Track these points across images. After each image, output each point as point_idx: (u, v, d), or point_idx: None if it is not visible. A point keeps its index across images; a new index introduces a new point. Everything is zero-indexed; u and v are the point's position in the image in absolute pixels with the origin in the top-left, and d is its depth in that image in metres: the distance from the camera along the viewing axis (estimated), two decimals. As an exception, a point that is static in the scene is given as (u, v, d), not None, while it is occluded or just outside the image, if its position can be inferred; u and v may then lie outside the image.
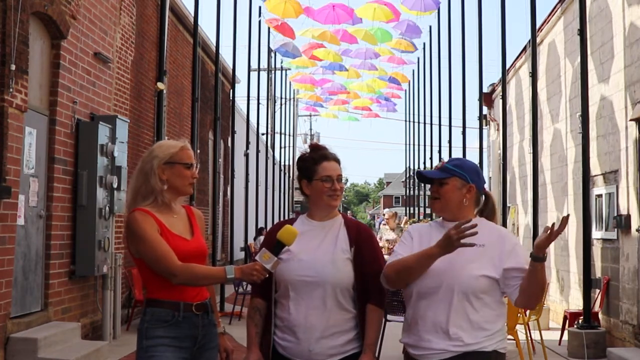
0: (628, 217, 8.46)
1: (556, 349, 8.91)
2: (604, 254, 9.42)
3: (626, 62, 8.61)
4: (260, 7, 18.19)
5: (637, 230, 8.14)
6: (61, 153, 7.61)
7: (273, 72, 27.71)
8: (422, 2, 14.78)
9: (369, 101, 24.80)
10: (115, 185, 8.31)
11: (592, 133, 9.40)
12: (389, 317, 6.95)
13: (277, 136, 28.39)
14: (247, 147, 16.60)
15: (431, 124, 21.66)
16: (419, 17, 15.67)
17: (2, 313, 6.22)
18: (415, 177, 17.17)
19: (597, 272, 9.48)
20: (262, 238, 13.44)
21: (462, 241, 2.70)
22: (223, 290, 12.26)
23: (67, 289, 7.77)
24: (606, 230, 9.44)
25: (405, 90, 27.07)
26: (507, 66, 12.92)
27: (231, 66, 15.27)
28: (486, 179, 17.15)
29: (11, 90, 6.25)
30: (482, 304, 2.86)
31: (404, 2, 14.85)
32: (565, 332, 9.05)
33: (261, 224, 19.95)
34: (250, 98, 18.14)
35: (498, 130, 15.48)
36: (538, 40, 11.67)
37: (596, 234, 9.65)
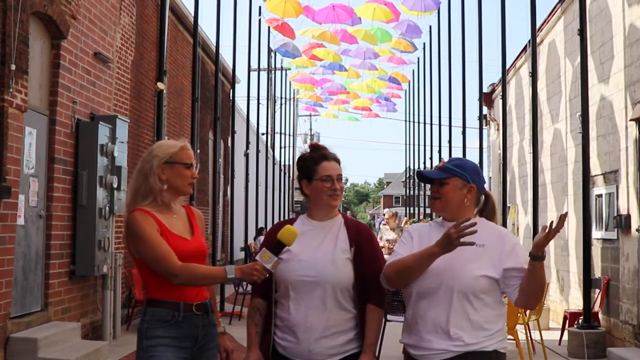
0: (628, 217, 8.46)
1: (556, 349, 8.91)
2: (604, 254, 9.42)
3: (626, 62, 8.61)
4: (260, 7, 18.22)
5: (637, 230, 8.14)
6: (61, 153, 7.60)
7: (273, 72, 27.71)
8: (422, 2, 14.78)
9: (369, 101, 24.80)
10: (115, 185, 8.31)
11: (592, 133, 9.40)
12: (389, 317, 6.95)
13: (277, 136, 28.41)
14: (247, 147, 16.60)
15: (431, 124, 21.67)
16: (419, 17, 15.68)
17: (2, 313, 6.22)
18: (416, 177, 17.17)
19: (597, 272, 9.48)
20: (262, 238, 13.44)
21: (462, 240, 2.70)
22: (223, 290, 12.26)
23: (67, 289, 7.77)
24: (606, 230, 9.44)
25: (405, 90, 27.09)
26: (507, 66, 12.92)
27: (231, 66, 15.27)
28: (486, 179, 17.15)
29: (11, 90, 6.25)
30: (482, 304, 2.86)
31: (404, 2, 14.86)
32: (565, 332, 9.05)
33: (261, 224, 19.95)
34: (250, 98, 18.16)
35: (498, 130, 15.48)
36: (538, 40, 11.67)
37: (596, 234, 9.65)
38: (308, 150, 3.18)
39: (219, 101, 13.18)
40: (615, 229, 8.90)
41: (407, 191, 34.25)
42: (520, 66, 14.52)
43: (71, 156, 7.85)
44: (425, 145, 23.20)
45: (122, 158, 8.61)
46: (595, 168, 9.52)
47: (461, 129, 15.81)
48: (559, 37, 11.72)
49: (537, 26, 11.09)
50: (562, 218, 2.71)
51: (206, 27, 51.35)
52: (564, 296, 11.38)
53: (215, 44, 13.43)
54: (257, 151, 19.08)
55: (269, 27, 18.72)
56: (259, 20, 18.49)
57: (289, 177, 31.66)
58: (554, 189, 12.02)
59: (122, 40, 9.58)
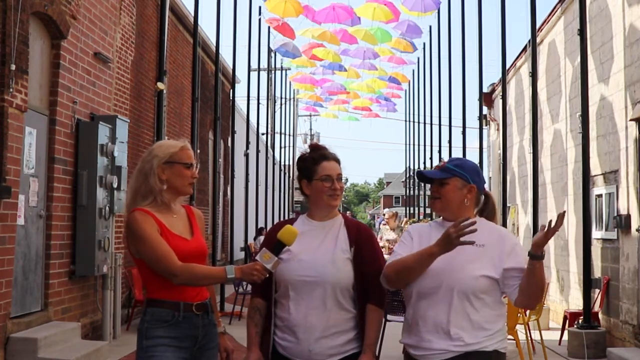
0: (628, 217, 8.46)
1: (556, 349, 8.91)
2: (604, 254, 9.42)
3: (626, 62, 8.61)
4: (260, 7, 18.23)
5: (637, 230, 8.14)
6: (61, 153, 7.60)
7: (273, 72, 27.71)
8: (422, 2, 14.78)
9: (369, 101, 24.80)
10: (115, 185, 8.31)
11: (592, 133, 9.41)
12: (389, 317, 6.95)
13: (277, 136, 28.40)
14: (247, 147, 16.60)
15: (431, 124, 21.67)
16: (419, 17, 15.68)
17: (2, 313, 6.22)
18: (416, 177, 17.17)
19: (597, 272, 9.48)
20: (262, 238, 13.44)
21: (462, 239, 2.70)
22: (223, 290, 12.26)
23: (67, 289, 7.77)
24: (606, 230, 9.44)
25: (405, 90, 27.09)
26: (507, 66, 12.92)
27: (231, 66, 15.27)
28: (486, 179, 17.15)
29: (11, 90, 6.25)
30: (483, 304, 2.86)
31: (404, 2, 14.86)
32: (565, 332, 9.05)
33: (261, 224, 19.95)
34: (250, 98, 18.16)
35: (498, 130, 15.48)
36: (538, 40, 11.67)
37: (596, 234, 9.65)
38: (308, 150, 3.18)
39: (219, 101, 13.18)
40: (615, 229, 8.90)
41: (407, 191, 34.25)
42: (520, 66, 14.52)
43: (71, 156, 7.85)
44: (425, 145, 23.23)
45: (122, 158, 8.61)
46: (595, 168, 9.52)
47: (461, 129, 15.81)
48: (559, 37, 11.72)
49: (537, 26, 11.09)
50: (561, 216, 2.71)
51: (206, 27, 51.36)
52: (564, 296, 11.38)
53: (215, 44, 13.43)
54: (257, 151, 19.08)
55: (269, 27, 18.73)
56: (259, 20, 18.50)
57: (289, 177, 31.66)
58: (554, 189, 12.02)
59: (122, 40, 9.58)
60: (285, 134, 28.81)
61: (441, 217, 3.08)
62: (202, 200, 14.67)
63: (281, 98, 28.08)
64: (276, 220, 20.78)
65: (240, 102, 31.12)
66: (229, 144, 15.96)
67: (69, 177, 7.82)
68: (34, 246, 7.13)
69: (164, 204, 3.15)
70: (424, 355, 2.88)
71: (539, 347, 8.39)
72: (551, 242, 11.94)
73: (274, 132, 28.21)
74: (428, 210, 23.50)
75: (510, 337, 7.42)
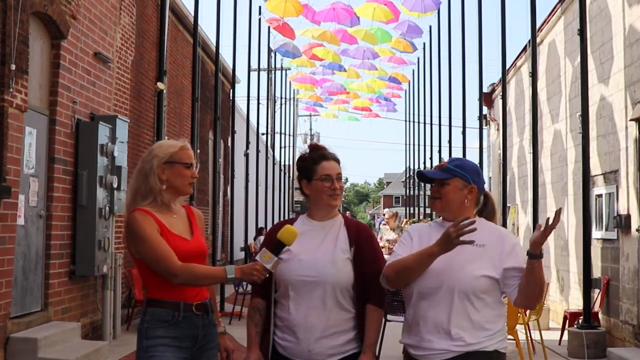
0: (628, 217, 8.46)
1: (556, 349, 8.91)
2: (604, 254, 9.42)
3: (626, 62, 8.61)
4: (260, 7, 18.23)
5: (637, 230, 8.14)
6: (61, 153, 7.60)
7: (273, 72, 27.71)
8: (422, 3, 14.78)
9: (369, 101, 24.80)
10: (115, 185, 8.31)
11: (592, 133, 9.41)
12: (389, 317, 6.95)
13: (277, 136, 28.40)
14: (247, 147, 16.60)
15: (431, 124, 21.67)
16: (419, 18, 15.68)
17: (2, 313, 6.22)
18: (416, 177, 17.17)
19: (597, 272, 9.48)
20: (262, 238, 13.44)
21: (461, 238, 2.70)
22: (223, 290, 12.26)
23: (67, 289, 7.77)
24: (606, 230, 9.44)
25: (405, 90, 27.09)
26: (507, 66, 12.92)
27: (231, 66, 15.27)
28: (486, 179, 17.16)
29: (11, 90, 6.25)
30: (483, 304, 2.86)
31: (404, 2, 14.86)
32: (565, 332, 9.05)
33: (261, 224, 19.95)
34: (250, 98, 18.16)
35: (498, 130, 15.48)
36: (538, 40, 11.67)
37: (596, 233, 9.65)
38: (307, 150, 3.18)
39: (219, 101, 13.18)
40: (615, 229, 8.90)
41: (407, 191, 34.24)
42: (520, 66, 14.52)
43: (71, 156, 7.85)
44: (425, 145, 23.23)
45: (122, 158, 8.61)
46: (595, 168, 9.52)
47: (461, 129, 15.81)
48: (559, 37, 11.72)
49: (537, 26, 11.09)
50: (558, 213, 2.71)
51: (206, 27, 51.35)
52: (564, 296, 11.38)
53: (215, 44, 13.43)
54: (257, 151, 19.08)
55: (269, 27, 18.73)
56: (259, 20, 18.50)
57: (289, 177, 31.66)
58: (554, 189, 12.02)
59: (122, 40, 9.58)
60: (285, 134, 28.84)
61: (441, 217, 3.08)
62: (202, 200, 14.67)
63: (281, 98, 28.10)
64: (276, 220, 20.78)
65: (240, 102, 31.13)
66: (229, 144, 15.96)
67: (69, 177, 7.82)
68: (34, 246, 7.13)
69: (164, 204, 3.15)
70: (425, 355, 2.88)
71: (539, 347, 8.39)
72: (551, 242, 11.94)
73: (274, 132, 28.21)
74: (428, 210, 23.50)
75: (510, 337, 7.41)
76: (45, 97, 7.42)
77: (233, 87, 15.75)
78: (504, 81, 12.22)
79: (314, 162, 3.09)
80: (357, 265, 3.03)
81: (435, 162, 19.26)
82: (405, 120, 28.94)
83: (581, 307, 8.96)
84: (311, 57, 18.35)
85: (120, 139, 8.56)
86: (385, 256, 3.29)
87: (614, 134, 9.01)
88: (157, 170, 3.13)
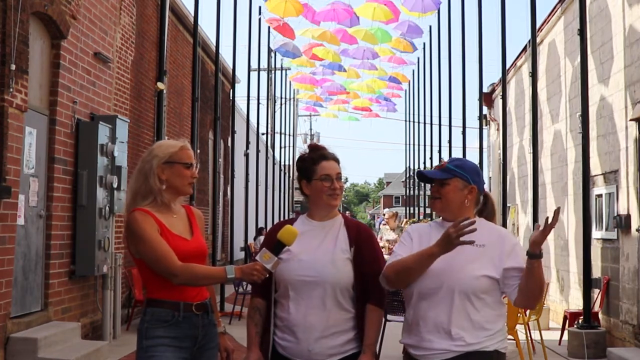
0: (628, 217, 8.46)
1: (556, 349, 8.91)
2: (604, 254, 9.42)
3: (626, 62, 8.61)
4: (260, 7, 18.23)
5: (637, 230, 8.14)
6: (61, 153, 7.60)
7: (273, 72, 27.71)
8: (421, 3, 14.79)
9: (369, 101, 24.81)
10: (115, 185, 8.31)
11: (592, 133, 9.41)
12: (389, 317, 6.95)
13: (277, 136, 28.40)
14: (247, 147, 16.60)
15: (431, 124, 21.67)
16: (419, 18, 15.68)
17: (2, 313, 6.22)
18: (416, 177, 17.17)
19: (597, 272, 9.48)
20: (262, 238, 13.44)
21: (461, 239, 2.70)
22: (223, 290, 12.26)
23: (67, 288, 7.77)
24: (606, 230, 9.44)
25: (405, 90, 27.09)
26: (507, 66, 12.92)
27: (231, 66, 15.27)
28: (486, 179, 17.17)
29: (11, 90, 6.25)
30: (483, 304, 2.86)
31: (404, 3, 14.86)
32: (565, 332, 9.05)
33: (261, 224, 19.96)
34: (250, 98, 18.17)
35: (498, 130, 15.48)
36: (538, 40, 11.67)
37: (596, 234, 9.65)
38: (307, 150, 3.18)
39: (219, 101, 13.18)
40: (615, 229, 8.90)
41: (407, 191, 34.25)
42: (520, 66, 14.52)
43: (71, 156, 7.85)
44: (425, 145, 23.23)
45: (122, 158, 8.61)
46: (595, 168, 9.52)
47: (461, 129, 15.81)
48: (559, 37, 11.72)
49: (537, 26, 11.09)
50: (556, 213, 2.71)
51: (206, 27, 51.30)
52: (564, 296, 11.38)
53: (215, 44, 13.43)
54: (257, 151, 19.08)
55: (269, 27, 18.73)
56: (259, 20, 18.51)
57: (289, 177, 31.67)
58: (554, 189, 12.02)
59: (122, 40, 9.58)
60: (285, 134, 28.85)
61: (441, 218, 3.08)
62: (202, 200, 14.67)
63: (281, 98, 28.10)
64: (276, 220, 20.78)
65: (240, 102, 31.14)
66: (229, 144, 15.96)
67: (69, 177, 7.82)
68: (34, 246, 7.13)
69: (164, 204, 3.15)
70: (425, 355, 2.88)
71: (539, 347, 8.39)
72: (551, 242, 11.94)
73: (274, 132, 28.21)
74: (428, 210, 23.50)
75: (510, 337, 7.41)
76: (45, 97, 7.42)
77: (233, 87, 15.75)
78: (504, 81, 12.22)
79: (314, 162, 3.09)
80: (357, 265, 3.03)
81: (435, 162, 19.26)
82: (405, 120, 28.97)
83: (581, 307, 8.96)
84: (311, 57, 18.34)
85: (120, 139, 8.56)
86: (385, 256, 3.29)
87: (614, 134, 9.01)
88: (157, 170, 3.13)
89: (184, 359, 3.08)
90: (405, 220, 18.42)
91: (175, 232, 3.11)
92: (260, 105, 20.73)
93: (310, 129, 44.03)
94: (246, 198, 16.59)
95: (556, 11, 11.71)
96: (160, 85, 10.30)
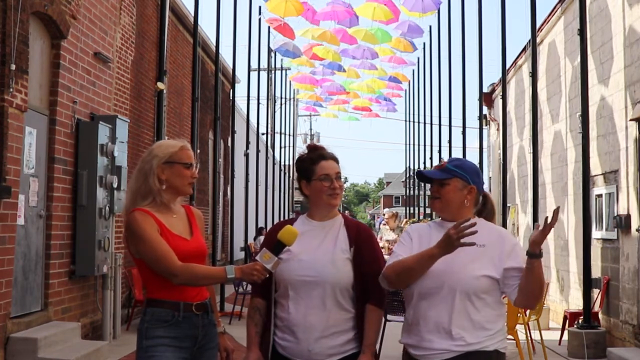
0: (628, 217, 8.46)
1: (556, 349, 8.91)
2: (604, 254, 9.42)
3: (626, 62, 8.61)
4: (260, 7, 18.23)
5: (637, 230, 8.14)
6: (61, 153, 7.61)
7: (273, 72, 27.71)
8: (421, 3, 14.79)
9: (369, 101, 24.81)
10: (115, 185, 8.31)
11: (592, 133, 9.41)
12: (389, 317, 6.95)
13: (277, 136, 28.40)
14: (247, 147, 16.60)
15: (431, 124, 21.68)
16: (419, 18, 15.68)
17: (2, 313, 6.22)
18: (416, 177, 17.17)
19: (597, 272, 9.48)
20: (262, 238, 13.44)
21: (462, 240, 2.70)
22: (223, 290, 12.26)
23: (67, 288, 7.77)
24: (606, 230, 9.44)
25: (405, 90, 27.08)
26: (507, 66, 12.92)
27: (231, 66, 15.27)
28: (486, 179, 17.17)
29: (11, 90, 6.25)
30: (484, 304, 2.86)
31: (404, 3, 14.86)
32: (565, 332, 9.05)
33: (261, 224, 19.96)
34: (250, 98, 18.16)
35: (498, 130, 15.48)
36: (538, 40, 11.67)
37: (596, 234, 9.65)
38: (306, 151, 3.18)
39: (219, 101, 13.18)
40: (615, 229, 8.90)
41: (407, 191, 34.25)
42: (520, 66, 14.52)
43: (71, 156, 7.85)
44: (425, 145, 23.23)
45: (122, 158, 8.62)
46: (595, 168, 9.52)
47: (461, 129, 15.81)
48: (559, 37, 11.72)
49: (537, 26, 11.09)
50: (556, 212, 2.71)
51: (206, 27, 51.34)
52: (564, 296, 11.38)
53: (215, 44, 13.43)
54: (257, 151, 19.08)
55: (269, 27, 18.73)
56: (259, 20, 18.51)
57: (289, 177, 31.66)
58: (554, 189, 12.02)
59: (122, 40, 9.58)
60: (285, 134, 28.84)
61: (440, 218, 3.08)
62: (202, 200, 14.67)
63: (281, 98, 28.10)
64: (276, 220, 20.78)
65: (240, 102, 31.14)
66: (229, 144, 15.96)
67: (69, 177, 7.82)
68: (34, 246, 7.13)
69: (164, 204, 3.15)
70: (425, 355, 2.88)
71: (539, 347, 8.39)
72: (551, 242, 11.94)
73: (274, 132, 28.21)
74: (428, 210, 23.50)
75: (510, 337, 7.41)
76: (45, 97, 7.42)
77: (233, 87, 15.75)
78: (504, 81, 12.22)
79: (313, 162, 3.09)
80: (357, 265, 3.03)
81: (435, 162, 19.25)
82: (405, 120, 28.97)
83: (581, 307, 8.96)
84: (311, 56, 18.34)
85: (120, 139, 8.56)
86: (385, 256, 3.29)
87: (614, 134, 9.01)
88: (156, 171, 3.13)
89: (184, 359, 3.08)
90: (405, 220, 18.41)
91: (175, 232, 3.11)
92: (260, 105, 20.74)
93: (310, 129, 44.08)
94: (246, 198, 16.59)
95: (556, 11, 11.71)
96: (160, 85, 10.30)
